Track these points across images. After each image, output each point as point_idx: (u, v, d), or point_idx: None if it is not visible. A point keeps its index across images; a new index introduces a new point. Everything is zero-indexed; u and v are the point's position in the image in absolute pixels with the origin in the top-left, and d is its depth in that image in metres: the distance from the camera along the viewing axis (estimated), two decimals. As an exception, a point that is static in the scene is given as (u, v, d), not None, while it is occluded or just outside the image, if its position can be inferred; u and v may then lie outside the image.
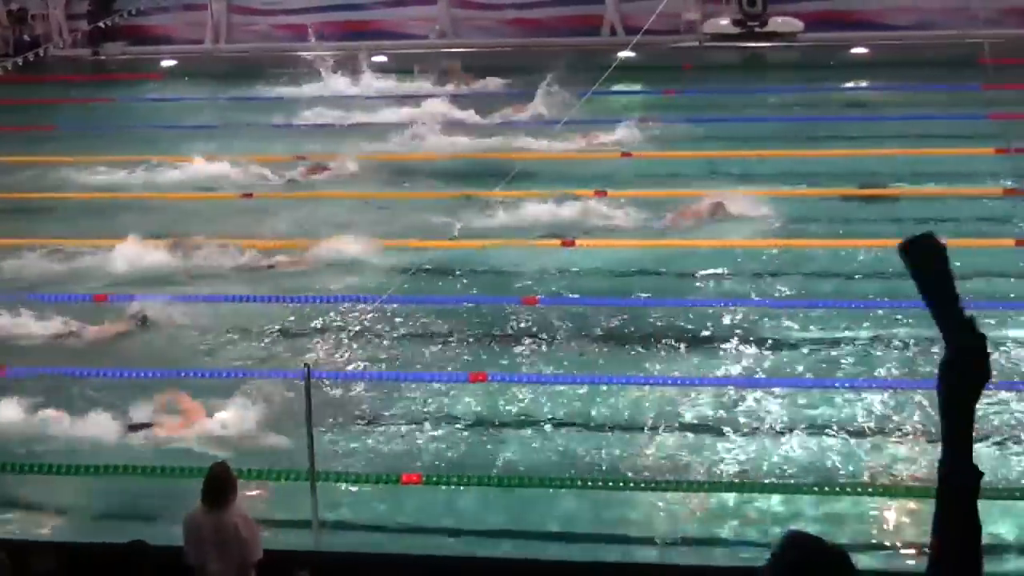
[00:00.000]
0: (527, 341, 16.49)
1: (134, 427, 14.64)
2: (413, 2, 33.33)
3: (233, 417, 14.53)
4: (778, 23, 30.97)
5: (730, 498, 12.89)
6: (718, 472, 13.29)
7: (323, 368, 15.40)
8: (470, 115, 26.18)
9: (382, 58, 30.94)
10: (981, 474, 3.91)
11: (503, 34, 32.91)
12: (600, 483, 13.03)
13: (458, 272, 18.74)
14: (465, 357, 16.07)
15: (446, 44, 32.21)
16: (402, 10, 33.35)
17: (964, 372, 3.92)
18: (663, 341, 16.28)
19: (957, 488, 3.91)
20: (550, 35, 32.26)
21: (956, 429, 3.91)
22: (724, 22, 30.04)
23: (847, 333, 16.26)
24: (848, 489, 12.80)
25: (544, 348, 16.29)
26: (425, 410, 14.81)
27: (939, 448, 3.94)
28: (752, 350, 15.91)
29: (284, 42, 33.23)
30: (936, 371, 3.95)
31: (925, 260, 3.98)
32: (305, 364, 12.64)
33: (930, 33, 30.46)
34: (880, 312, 16.64)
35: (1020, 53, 28.64)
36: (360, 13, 33.45)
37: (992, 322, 16.14)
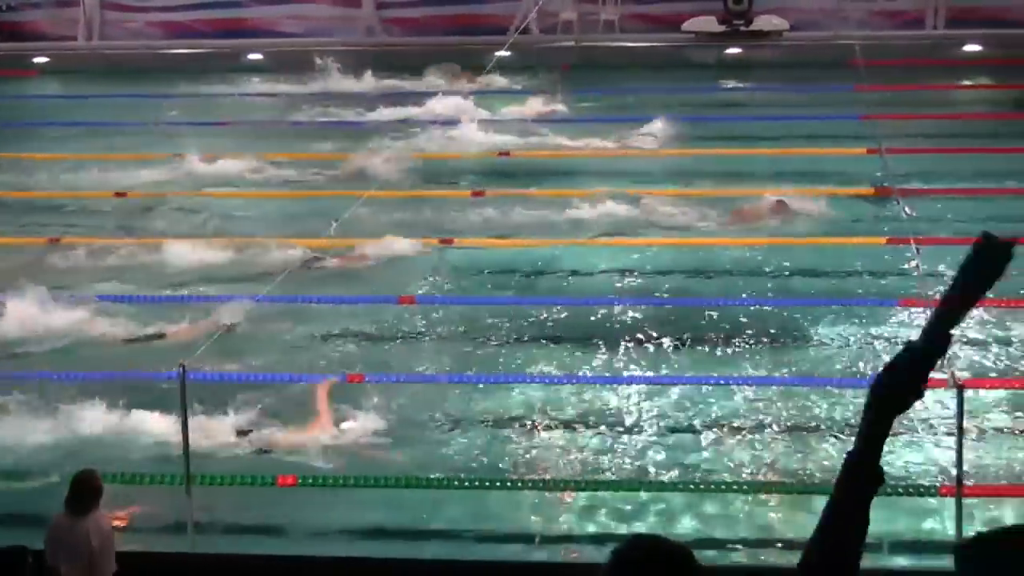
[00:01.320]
0: (401, 341, 16.44)
1: (243, 432, 14.27)
2: (289, 1, 33.14)
3: (352, 422, 14.27)
4: (764, 22, 31.09)
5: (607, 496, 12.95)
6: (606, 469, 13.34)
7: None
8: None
9: (257, 56, 30.87)
10: (883, 480, 3.94)
11: (391, 33, 32.86)
12: (486, 483, 12.99)
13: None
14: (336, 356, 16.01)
15: (326, 43, 32.06)
16: (277, 8, 33.12)
17: (912, 376, 3.91)
18: (542, 341, 16.33)
19: (862, 486, 3.92)
20: (424, 35, 32.28)
21: (878, 428, 3.92)
22: (709, 20, 30.00)
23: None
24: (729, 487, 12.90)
25: (424, 347, 16.27)
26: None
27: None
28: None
29: (158, 39, 32.92)
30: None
31: (991, 263, 3.92)
32: (181, 364, 12.49)
33: (804, 34, 30.83)
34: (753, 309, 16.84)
35: (890, 54, 29.12)
36: (235, 11, 33.17)
37: (864, 319, 16.38)
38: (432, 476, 13.13)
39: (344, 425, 14.23)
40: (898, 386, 3.91)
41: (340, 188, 21.41)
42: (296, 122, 26.33)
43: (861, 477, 3.92)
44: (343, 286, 17.95)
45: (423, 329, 16.77)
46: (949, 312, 3.93)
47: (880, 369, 3.93)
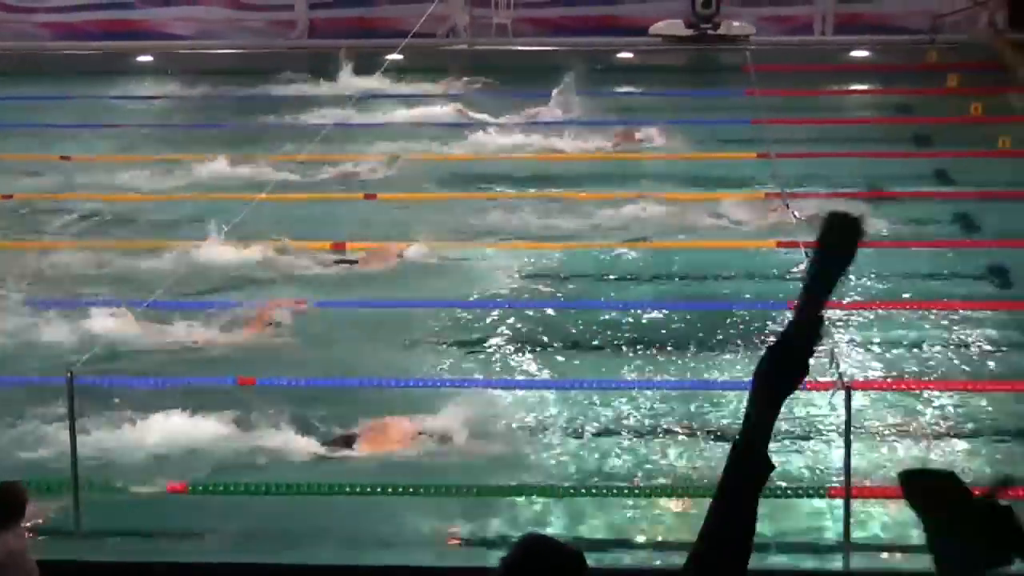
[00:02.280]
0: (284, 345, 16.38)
1: (335, 442, 13.99)
2: (178, 2, 32.85)
3: (438, 428, 14.01)
4: (731, 27, 31.20)
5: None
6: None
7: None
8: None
9: (147, 58, 30.70)
10: (773, 467, 3.90)
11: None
12: (368, 489, 12.93)
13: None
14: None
15: (213, 44, 31.87)
16: (167, 10, 32.83)
17: (794, 361, 3.88)
18: (429, 343, 16.33)
19: (750, 474, 3.89)
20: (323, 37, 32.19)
21: (764, 416, 3.88)
22: (676, 24, 29.98)
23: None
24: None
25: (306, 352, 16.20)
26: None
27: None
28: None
29: (47, 40, 32.51)
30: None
31: (843, 238, 3.90)
32: (68, 371, 12.34)
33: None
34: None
35: (780, 60, 29.42)
36: (125, 12, 32.83)
37: (755, 324, 16.51)
38: (324, 482, 13.05)
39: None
40: (781, 369, 3.89)
41: (235, 191, 21.26)
42: (191, 125, 26.13)
43: (750, 465, 3.88)
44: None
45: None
46: (814, 289, 3.93)
47: (763, 354, 3.91)
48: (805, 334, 3.89)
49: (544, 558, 4.01)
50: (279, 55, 30.82)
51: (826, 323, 3.92)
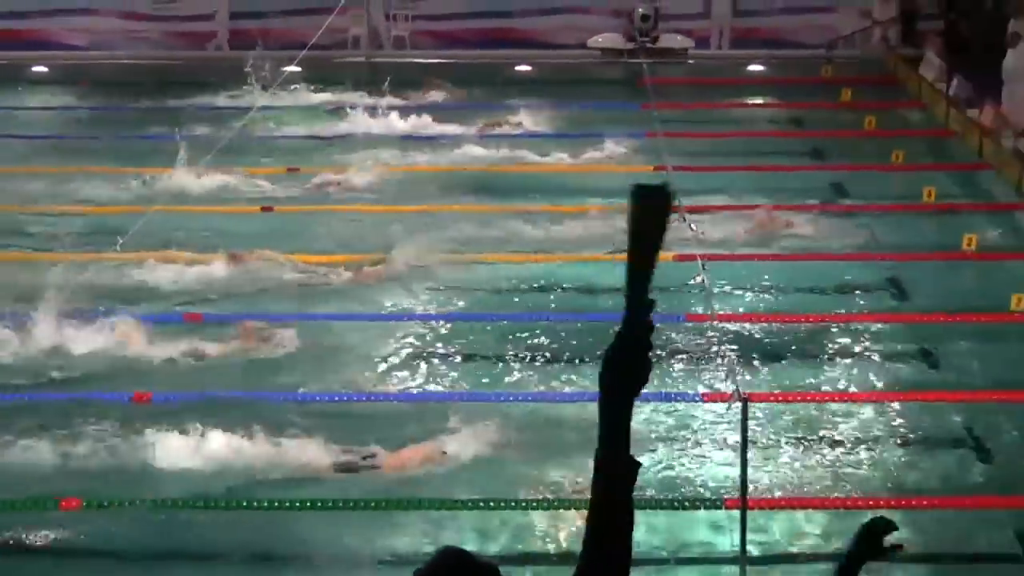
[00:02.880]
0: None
1: (364, 458, 13.72)
2: (75, 13, 32.53)
3: (456, 444, 13.81)
4: (670, 40, 31.30)
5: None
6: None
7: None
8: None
9: (42, 68, 30.39)
10: (639, 464, 3.84)
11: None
12: (255, 503, 12.84)
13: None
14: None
15: (105, 56, 31.61)
16: (63, 20, 32.49)
17: (633, 358, 3.82)
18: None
19: (615, 479, 3.84)
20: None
21: (618, 417, 3.83)
22: (615, 37, 29.92)
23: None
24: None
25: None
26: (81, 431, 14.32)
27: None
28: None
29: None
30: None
31: (652, 215, 3.79)
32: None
33: (571, 52, 31.19)
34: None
35: (675, 74, 29.65)
36: (20, 22, 32.46)
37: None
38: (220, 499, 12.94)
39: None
40: (623, 368, 3.81)
41: (131, 203, 21.07)
42: (87, 136, 25.88)
43: (615, 470, 3.83)
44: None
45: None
46: (636, 275, 3.81)
47: (603, 358, 3.83)
48: (640, 329, 3.80)
49: (459, 571, 3.98)
50: (192, 65, 30.64)
51: (655, 311, 3.79)
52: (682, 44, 31.46)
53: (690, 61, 31.28)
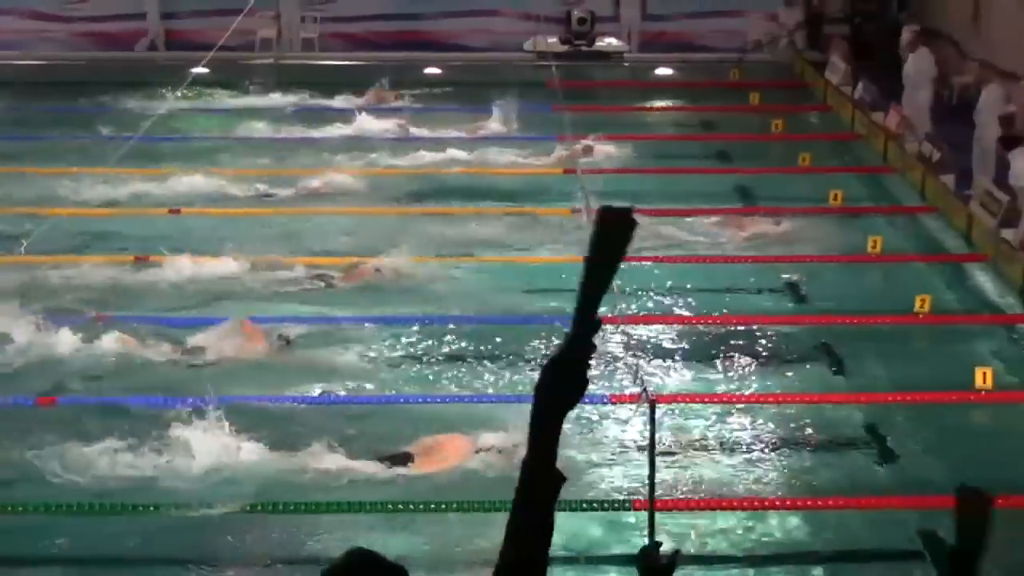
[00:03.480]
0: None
1: (391, 459, 13.58)
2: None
3: (492, 445, 13.69)
4: (606, 43, 31.31)
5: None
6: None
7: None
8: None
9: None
10: (564, 478, 3.88)
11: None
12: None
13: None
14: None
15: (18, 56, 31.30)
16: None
17: (571, 374, 3.85)
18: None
19: (539, 489, 3.87)
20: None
21: (549, 428, 3.86)
22: (552, 40, 29.82)
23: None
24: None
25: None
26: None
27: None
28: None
29: None
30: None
31: (616, 238, 3.83)
32: None
33: (503, 55, 31.25)
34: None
35: (583, 77, 29.75)
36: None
37: (559, 336, 16.57)
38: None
39: None
40: (561, 384, 3.86)
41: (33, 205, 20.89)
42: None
43: (541, 480, 3.87)
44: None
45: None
46: (589, 295, 3.86)
47: (542, 370, 3.88)
48: (584, 346, 3.85)
49: (367, 572, 3.98)
50: (102, 67, 30.37)
51: (600, 332, 3.86)
52: (619, 48, 31.60)
53: (625, 64, 31.40)
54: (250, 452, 13.73)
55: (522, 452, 3.91)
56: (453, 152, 24.37)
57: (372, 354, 16.27)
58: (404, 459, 13.67)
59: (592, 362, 3.83)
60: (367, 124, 25.99)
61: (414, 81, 29.35)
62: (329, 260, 19.09)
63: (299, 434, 14.07)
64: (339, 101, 28.08)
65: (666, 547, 4.29)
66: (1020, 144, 20.14)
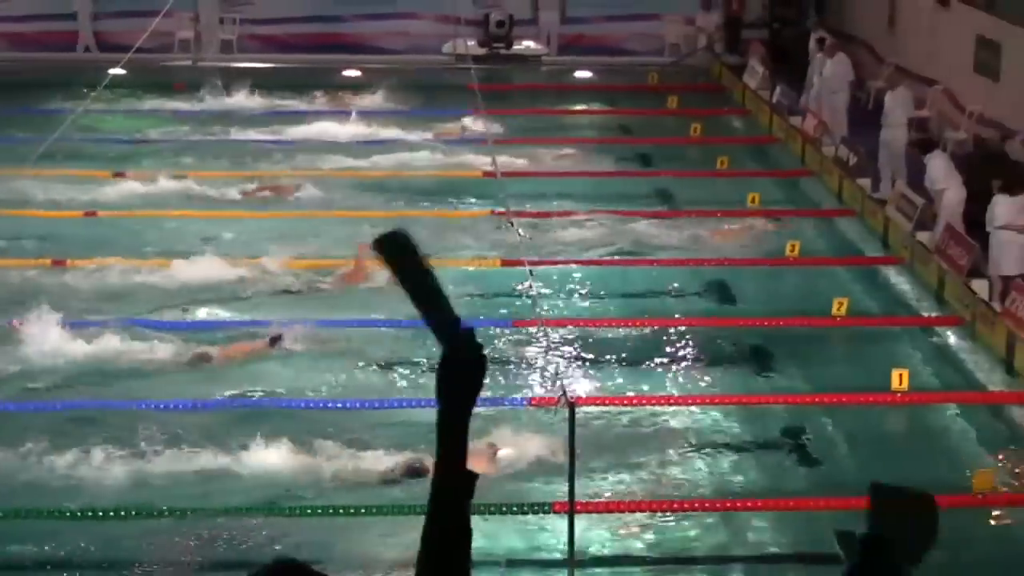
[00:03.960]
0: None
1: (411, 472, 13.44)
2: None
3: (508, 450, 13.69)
4: (525, 46, 31.24)
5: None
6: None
7: None
8: None
9: None
10: (475, 476, 3.86)
11: None
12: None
13: None
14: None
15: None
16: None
17: (462, 373, 3.85)
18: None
19: (452, 491, 3.85)
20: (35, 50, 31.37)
21: (455, 430, 3.86)
22: (471, 43, 29.66)
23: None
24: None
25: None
26: None
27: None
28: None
29: None
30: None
31: (400, 257, 3.84)
32: None
33: (421, 57, 31.20)
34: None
35: (502, 80, 29.75)
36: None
37: (480, 340, 16.55)
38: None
39: None
40: (455, 380, 3.86)
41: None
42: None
43: (452, 482, 3.86)
44: None
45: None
46: (426, 309, 3.87)
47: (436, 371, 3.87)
48: (456, 343, 3.86)
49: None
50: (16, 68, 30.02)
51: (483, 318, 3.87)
52: (536, 50, 31.62)
53: (543, 67, 31.42)
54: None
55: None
56: (376, 157, 24.27)
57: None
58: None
59: (484, 357, 3.84)
60: (290, 126, 25.90)
61: (336, 83, 29.26)
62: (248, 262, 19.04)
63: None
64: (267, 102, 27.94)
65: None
66: (935, 148, 20.34)
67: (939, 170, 19.21)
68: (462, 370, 3.86)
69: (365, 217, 20.86)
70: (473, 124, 25.45)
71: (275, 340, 16.30)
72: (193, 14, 31.44)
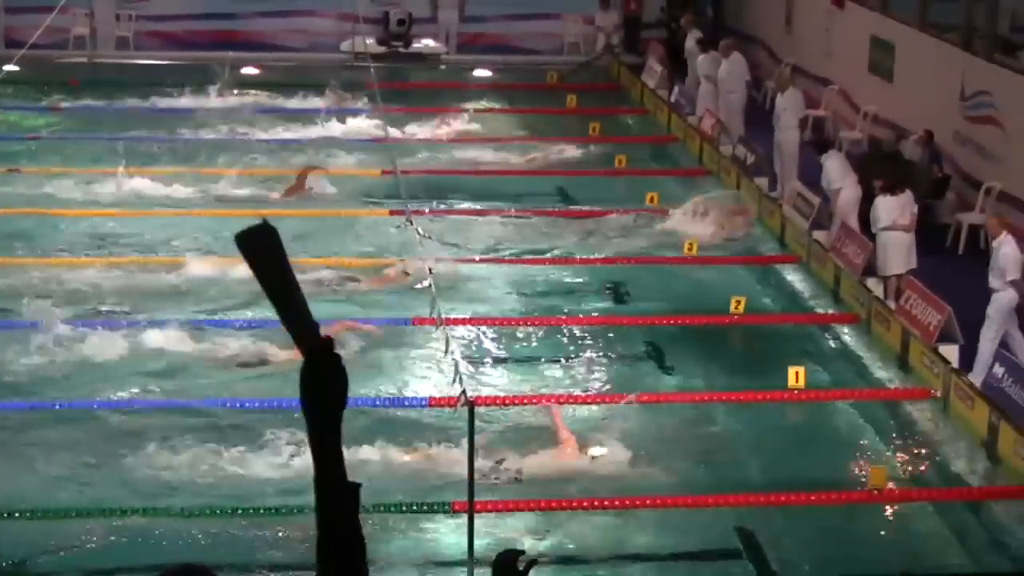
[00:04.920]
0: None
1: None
2: None
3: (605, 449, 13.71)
4: (422, 45, 31.07)
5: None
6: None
7: None
8: None
9: None
10: (358, 485, 3.80)
11: None
12: None
13: None
14: None
15: None
16: None
17: (323, 378, 3.77)
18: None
19: (336, 502, 3.80)
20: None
21: (327, 440, 3.78)
22: (370, 41, 29.36)
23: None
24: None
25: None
26: None
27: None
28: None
29: None
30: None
31: (262, 253, 3.73)
32: None
33: (321, 56, 31.07)
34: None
35: (403, 78, 29.71)
36: None
37: (380, 338, 16.55)
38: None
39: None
40: (318, 390, 3.77)
41: None
42: None
43: (334, 494, 3.78)
44: None
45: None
46: (283, 311, 3.80)
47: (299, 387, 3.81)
48: (312, 349, 3.77)
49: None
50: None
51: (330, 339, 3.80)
52: (435, 49, 31.59)
53: (443, 67, 31.38)
54: None
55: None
56: (284, 154, 24.13)
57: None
58: None
59: (343, 368, 3.76)
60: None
61: (233, 82, 29.05)
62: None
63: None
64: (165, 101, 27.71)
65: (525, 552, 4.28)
66: (831, 148, 20.54)
67: (835, 170, 19.45)
68: (322, 380, 3.77)
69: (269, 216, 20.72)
70: (370, 122, 25.41)
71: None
72: (88, 10, 31.11)
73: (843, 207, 19.18)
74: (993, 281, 15.73)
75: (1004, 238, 15.94)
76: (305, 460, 13.05)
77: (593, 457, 13.83)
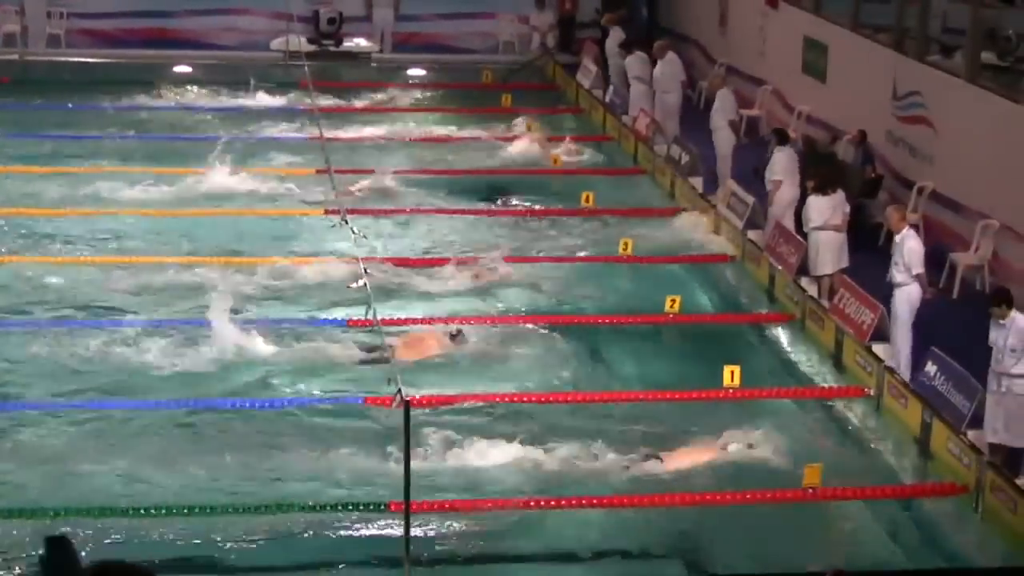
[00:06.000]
0: None
1: None
2: None
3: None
4: (353, 44, 30.98)
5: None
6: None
7: None
8: None
9: None
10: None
11: None
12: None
13: None
14: None
15: None
16: None
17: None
18: None
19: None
20: None
21: None
22: (301, 40, 29.14)
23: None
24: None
25: None
26: None
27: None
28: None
29: None
30: None
31: (58, 564, 3.90)
32: None
33: (253, 54, 30.93)
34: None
35: (336, 78, 29.62)
36: None
37: (311, 337, 16.52)
38: None
39: None
40: None
41: None
42: None
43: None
44: None
45: None
46: None
47: None
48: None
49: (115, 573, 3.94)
50: None
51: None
52: (366, 48, 31.49)
53: (373, 65, 31.28)
54: None
55: None
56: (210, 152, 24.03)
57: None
58: None
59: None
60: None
61: (166, 80, 28.93)
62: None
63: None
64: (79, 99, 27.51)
65: None
66: (789, 143, 20.49)
67: (781, 163, 19.37)
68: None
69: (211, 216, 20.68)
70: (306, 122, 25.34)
71: (455, 336, 16.47)
72: (19, 8, 30.84)
73: (779, 206, 19.22)
74: (897, 276, 15.65)
75: (907, 232, 15.86)
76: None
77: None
